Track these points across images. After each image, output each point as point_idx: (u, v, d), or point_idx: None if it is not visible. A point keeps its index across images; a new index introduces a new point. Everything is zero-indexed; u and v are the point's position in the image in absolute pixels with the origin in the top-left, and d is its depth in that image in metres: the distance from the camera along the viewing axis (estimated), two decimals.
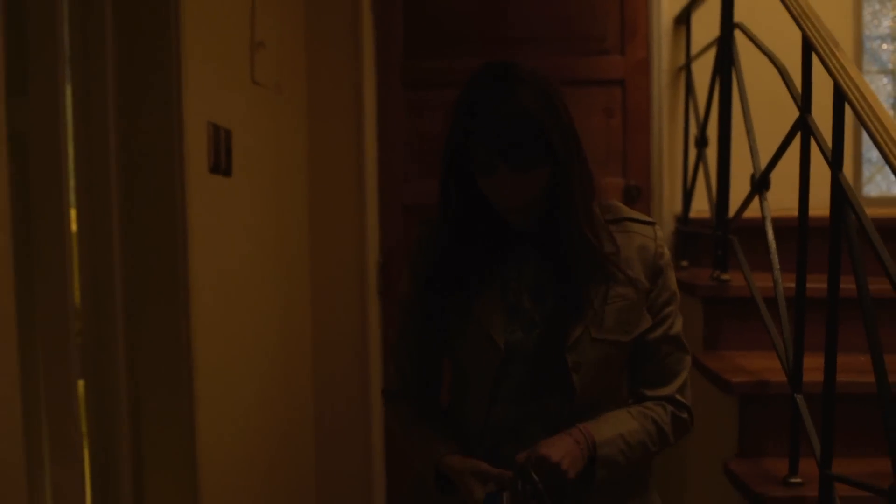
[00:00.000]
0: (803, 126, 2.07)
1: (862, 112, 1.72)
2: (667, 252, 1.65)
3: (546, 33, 3.56)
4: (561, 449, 1.47)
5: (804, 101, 2.08)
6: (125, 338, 2.20)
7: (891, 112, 3.72)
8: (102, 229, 2.17)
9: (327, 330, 3.52)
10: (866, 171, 3.70)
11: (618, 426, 1.54)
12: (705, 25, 3.31)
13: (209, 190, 2.45)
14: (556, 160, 1.49)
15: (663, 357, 1.62)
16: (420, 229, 1.70)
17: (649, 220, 1.67)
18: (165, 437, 2.29)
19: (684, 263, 3.34)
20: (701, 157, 3.22)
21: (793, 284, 2.11)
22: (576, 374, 1.54)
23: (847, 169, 3.56)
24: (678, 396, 1.62)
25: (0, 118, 1.50)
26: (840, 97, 1.82)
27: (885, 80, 3.74)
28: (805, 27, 2.02)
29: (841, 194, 1.82)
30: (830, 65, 1.86)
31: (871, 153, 3.65)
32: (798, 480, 2.12)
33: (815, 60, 2.03)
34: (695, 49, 3.43)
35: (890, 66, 3.75)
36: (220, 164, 2.54)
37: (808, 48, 2.04)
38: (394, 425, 1.77)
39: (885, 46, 3.76)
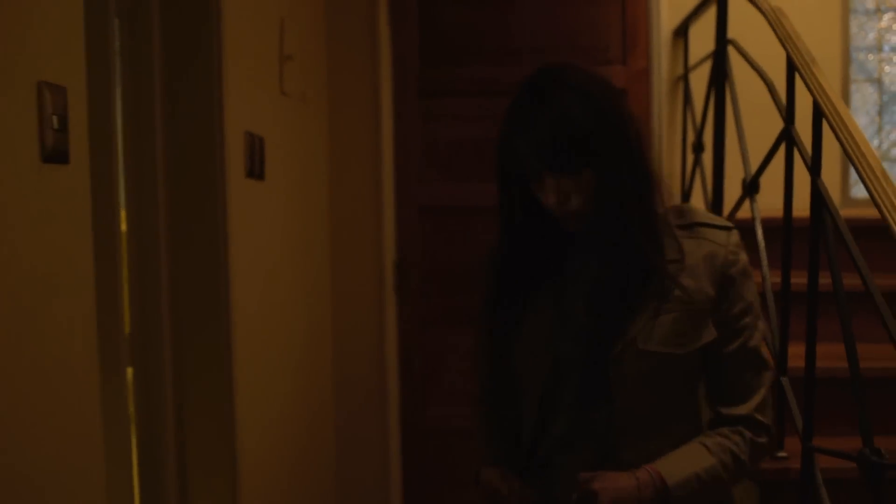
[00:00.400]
0: (787, 137, 2.30)
1: (835, 125, 1.95)
2: (742, 259, 1.58)
3: (552, 44, 3.77)
4: (614, 492, 1.43)
5: (788, 113, 2.31)
6: (171, 328, 2.42)
7: (877, 118, 3.95)
8: (149, 228, 2.38)
9: (347, 321, 3.74)
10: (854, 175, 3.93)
11: (693, 464, 1.49)
12: (702, 38, 3.52)
13: (246, 193, 2.67)
14: (602, 164, 1.47)
15: (740, 373, 1.56)
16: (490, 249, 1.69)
17: (726, 224, 1.61)
18: (207, 419, 2.50)
19: None
20: (698, 161, 3.44)
21: (780, 280, 2.34)
22: (617, 387, 1.50)
23: (835, 173, 3.81)
24: (757, 416, 1.56)
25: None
26: (818, 112, 2.05)
27: (871, 89, 3.96)
28: (789, 48, 2.24)
29: (819, 198, 2.05)
30: (810, 83, 2.08)
31: None
32: (784, 455, 2.35)
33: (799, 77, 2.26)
34: (692, 60, 3.65)
35: (876, 74, 3.98)
36: (255, 169, 2.76)
37: (791, 67, 2.26)
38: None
39: (871, 57, 3.98)
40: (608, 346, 1.50)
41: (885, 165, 3.83)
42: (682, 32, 3.73)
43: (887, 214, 1.69)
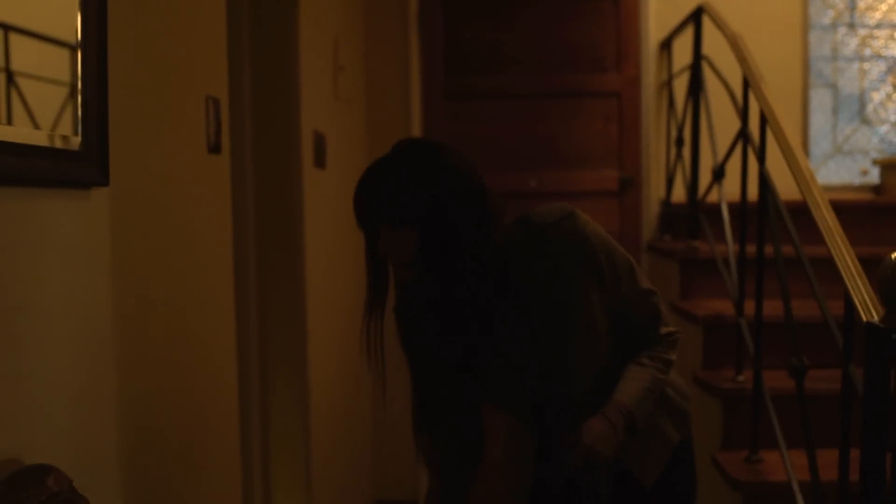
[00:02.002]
0: (743, 135, 2.97)
1: (773, 129, 2.60)
2: (586, 230, 1.73)
3: (557, 56, 4.42)
4: (592, 433, 1.69)
5: (743, 117, 2.98)
6: (258, 292, 3.04)
7: (832, 118, 4.63)
8: (244, 205, 3.00)
9: None
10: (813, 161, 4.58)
11: (638, 380, 1.75)
12: (684, 50, 4.16)
13: (313, 180, 3.32)
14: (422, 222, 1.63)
15: (639, 313, 1.81)
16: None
17: (561, 215, 1.75)
18: (286, 367, 3.13)
19: (667, 237, 4.23)
20: (679, 153, 4.10)
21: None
22: (574, 400, 1.77)
23: None
24: (663, 330, 1.82)
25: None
26: (763, 118, 2.71)
27: (827, 93, 4.63)
28: (744, 68, 2.90)
29: (764, 183, 2.71)
30: (757, 96, 2.74)
31: (815, 149, 4.57)
32: (742, 379, 3.02)
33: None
34: (675, 69, 4.31)
35: (832, 80, 4.64)
36: (320, 160, 3.42)
37: (745, 82, 2.92)
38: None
39: (827, 65, 4.64)
40: (561, 384, 1.77)
41: (839, 157, 4.55)
42: (667, 45, 4.38)
43: (807, 197, 2.33)
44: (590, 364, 1.77)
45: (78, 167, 1.52)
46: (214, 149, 2.25)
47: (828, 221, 2.16)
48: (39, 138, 1.40)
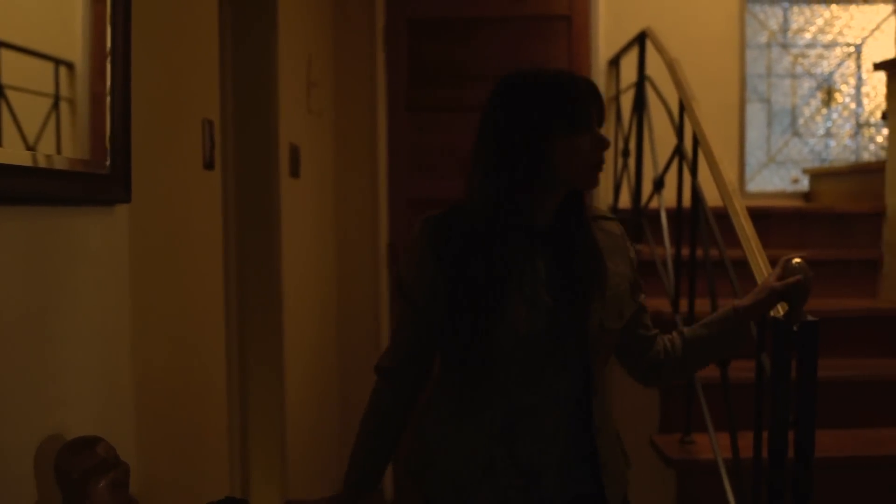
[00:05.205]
0: (679, 152, 3.30)
1: (703, 146, 2.93)
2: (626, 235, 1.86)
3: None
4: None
5: (679, 135, 3.31)
6: (239, 294, 3.31)
7: (766, 130, 5.01)
8: (230, 215, 3.29)
9: (350, 291, 4.70)
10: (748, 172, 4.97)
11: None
12: (631, 68, 4.45)
13: (289, 188, 3.60)
14: None
15: (648, 322, 1.88)
16: (426, 224, 1.73)
17: (613, 216, 1.86)
18: (264, 363, 3.42)
19: None
20: (625, 164, 4.43)
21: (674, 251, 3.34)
22: (595, 362, 1.71)
23: (732, 171, 4.81)
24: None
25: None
26: (695, 137, 3.04)
27: (762, 107, 5.01)
28: (679, 91, 3.23)
29: (696, 194, 3.05)
30: (689, 117, 3.08)
31: (751, 159, 4.94)
32: None
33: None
34: (623, 85, 4.63)
35: (766, 96, 5.02)
36: (295, 170, 3.70)
37: (681, 104, 3.26)
38: (367, 408, 1.87)
39: (762, 81, 5.02)
40: (583, 327, 1.68)
41: (773, 167, 4.91)
42: (615, 63, 4.71)
43: (729, 207, 2.64)
44: (606, 359, 1.79)
45: (107, 187, 1.80)
46: (209, 165, 2.53)
47: (745, 229, 2.46)
48: (75, 164, 1.67)
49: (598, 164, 1.69)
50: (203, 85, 2.52)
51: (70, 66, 1.66)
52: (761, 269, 2.29)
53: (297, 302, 3.70)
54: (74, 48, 1.68)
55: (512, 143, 1.68)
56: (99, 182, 1.76)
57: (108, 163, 1.79)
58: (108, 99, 1.78)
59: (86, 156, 1.71)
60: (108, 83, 1.77)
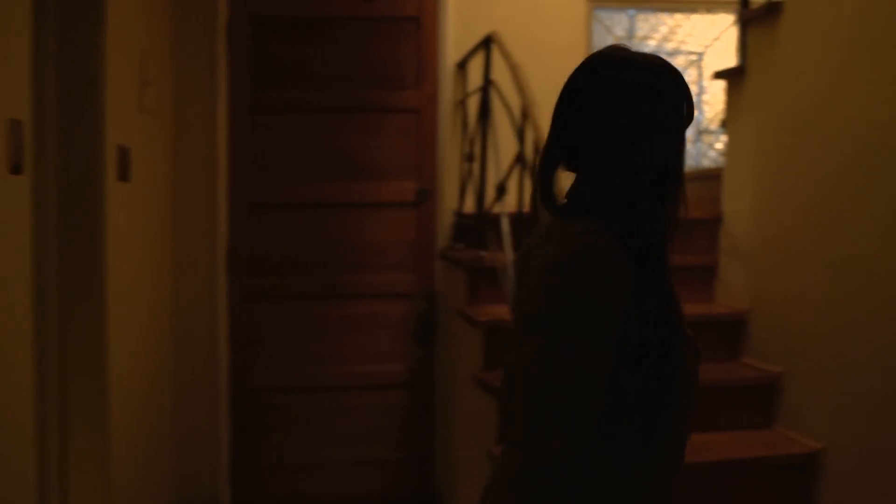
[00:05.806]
0: (520, 157, 3.28)
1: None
2: None
3: (359, 73, 4.64)
4: None
5: (520, 140, 3.29)
6: (58, 307, 3.10)
7: None
8: (51, 218, 3.07)
9: (186, 298, 4.50)
10: None
11: None
12: (478, 72, 4.47)
13: (118, 192, 3.41)
14: None
15: None
16: (602, 236, 1.38)
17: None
18: (85, 378, 3.23)
19: (459, 245, 4.52)
20: (470, 168, 4.40)
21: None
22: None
23: None
24: None
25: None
26: (537, 144, 3.02)
27: None
28: (522, 96, 3.21)
29: (536, 201, 3.03)
30: (532, 122, 3.06)
31: None
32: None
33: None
34: (470, 89, 4.60)
35: None
36: (124, 173, 3.50)
37: (524, 111, 3.24)
38: None
39: None
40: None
41: None
42: (462, 66, 4.68)
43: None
44: None
45: None
46: (15, 170, 2.34)
47: None
48: None
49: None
50: (9, 82, 2.33)
51: None
52: None
53: (126, 310, 3.51)
54: None
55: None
56: None
57: None
58: None
59: None
60: None
